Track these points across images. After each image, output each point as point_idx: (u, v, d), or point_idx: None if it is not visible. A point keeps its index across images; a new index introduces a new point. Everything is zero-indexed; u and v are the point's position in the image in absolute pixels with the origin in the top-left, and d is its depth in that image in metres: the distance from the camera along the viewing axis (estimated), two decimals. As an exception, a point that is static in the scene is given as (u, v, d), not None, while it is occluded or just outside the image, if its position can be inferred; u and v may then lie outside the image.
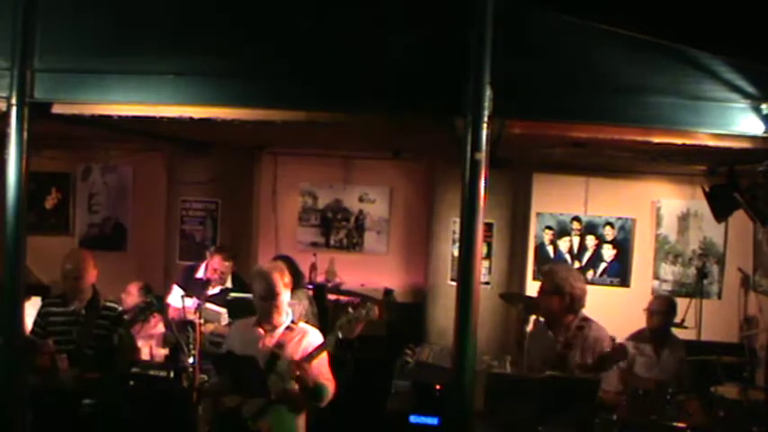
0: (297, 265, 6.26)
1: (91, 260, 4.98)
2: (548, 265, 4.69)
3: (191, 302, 5.62)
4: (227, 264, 6.33)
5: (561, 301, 4.52)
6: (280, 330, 4.32)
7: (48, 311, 4.94)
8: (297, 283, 6.47)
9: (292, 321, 4.38)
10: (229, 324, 5.82)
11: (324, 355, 4.33)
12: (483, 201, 3.59)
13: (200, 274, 6.35)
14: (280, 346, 4.27)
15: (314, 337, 4.36)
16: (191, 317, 5.33)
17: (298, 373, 4.10)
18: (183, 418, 4.94)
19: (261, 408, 4.16)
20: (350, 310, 4.32)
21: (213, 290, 6.19)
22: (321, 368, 4.27)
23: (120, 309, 5.12)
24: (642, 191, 7.55)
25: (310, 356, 4.19)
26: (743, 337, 6.96)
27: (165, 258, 7.96)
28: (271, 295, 4.26)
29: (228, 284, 6.32)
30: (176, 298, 5.98)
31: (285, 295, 4.33)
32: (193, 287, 6.09)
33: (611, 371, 4.47)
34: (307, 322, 5.53)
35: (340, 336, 4.25)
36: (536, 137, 4.91)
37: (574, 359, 4.40)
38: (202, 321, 5.24)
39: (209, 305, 5.84)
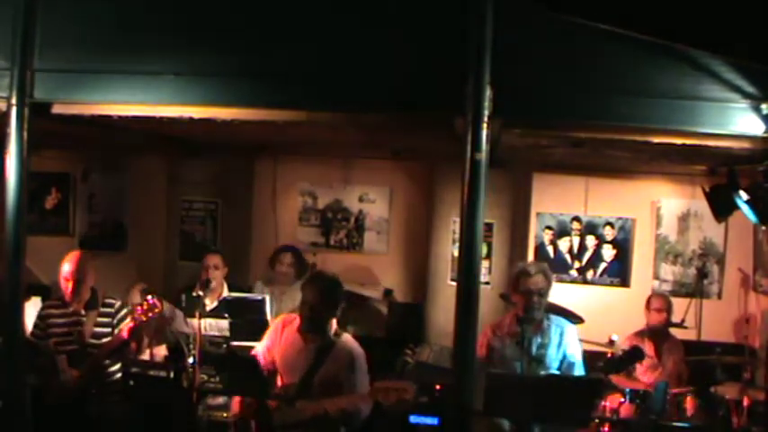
0: (302, 255, 6.25)
1: (89, 262, 4.99)
2: (524, 266, 4.62)
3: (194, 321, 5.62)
4: (216, 258, 6.31)
5: (544, 300, 4.47)
6: (323, 343, 4.18)
7: (48, 313, 4.96)
8: (302, 273, 6.50)
9: (335, 334, 4.24)
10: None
11: (363, 373, 4.21)
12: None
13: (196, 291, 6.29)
14: (319, 360, 4.15)
15: (358, 359, 4.20)
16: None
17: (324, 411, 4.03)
18: (183, 418, 4.95)
19: (296, 423, 4.07)
20: (387, 381, 4.10)
21: (211, 305, 6.15)
22: (356, 388, 4.15)
23: (119, 303, 5.13)
24: (642, 191, 7.55)
25: (338, 401, 4.07)
26: (743, 337, 6.96)
27: (165, 258, 7.97)
28: (315, 305, 4.13)
29: (225, 293, 6.29)
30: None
31: (336, 310, 4.20)
32: (192, 305, 6.04)
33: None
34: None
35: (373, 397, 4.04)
36: (536, 137, 4.92)
37: (550, 357, 4.37)
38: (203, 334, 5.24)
39: (209, 324, 5.82)
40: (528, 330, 4.40)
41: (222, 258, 6.37)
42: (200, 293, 6.05)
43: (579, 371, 4.38)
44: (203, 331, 5.35)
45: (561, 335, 4.41)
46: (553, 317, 4.53)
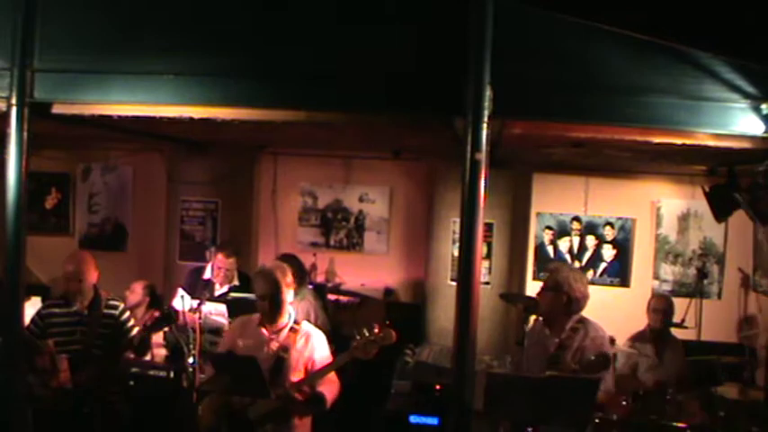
0: (301, 262, 6.25)
1: (92, 261, 4.98)
2: (554, 263, 4.66)
3: (195, 303, 5.61)
4: (229, 260, 6.32)
5: (558, 298, 4.50)
6: (284, 332, 4.31)
7: (50, 312, 4.93)
8: (302, 281, 6.51)
9: (295, 321, 4.38)
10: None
11: (329, 358, 4.35)
12: (483, 201, 3.58)
13: (207, 275, 6.34)
14: (285, 349, 4.27)
15: (319, 340, 4.38)
16: (192, 321, 5.32)
17: (304, 388, 4.16)
18: (183, 418, 4.95)
19: (269, 412, 4.16)
20: (365, 332, 4.24)
21: (221, 289, 6.19)
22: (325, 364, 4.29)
23: (123, 305, 5.12)
24: (642, 191, 7.55)
25: (318, 374, 4.22)
26: (743, 337, 6.96)
27: (165, 258, 7.96)
28: (271, 294, 4.25)
29: (236, 282, 6.32)
30: (179, 302, 5.97)
31: (287, 295, 4.33)
32: (200, 289, 6.07)
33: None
34: (317, 319, 5.56)
35: (353, 355, 4.21)
36: (536, 137, 4.92)
37: (567, 360, 4.38)
38: (202, 321, 5.24)
39: (211, 308, 5.82)
40: (551, 329, 4.45)
41: (225, 254, 6.37)
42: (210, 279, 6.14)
43: None
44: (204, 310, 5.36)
45: (583, 340, 4.41)
46: (591, 323, 4.52)
